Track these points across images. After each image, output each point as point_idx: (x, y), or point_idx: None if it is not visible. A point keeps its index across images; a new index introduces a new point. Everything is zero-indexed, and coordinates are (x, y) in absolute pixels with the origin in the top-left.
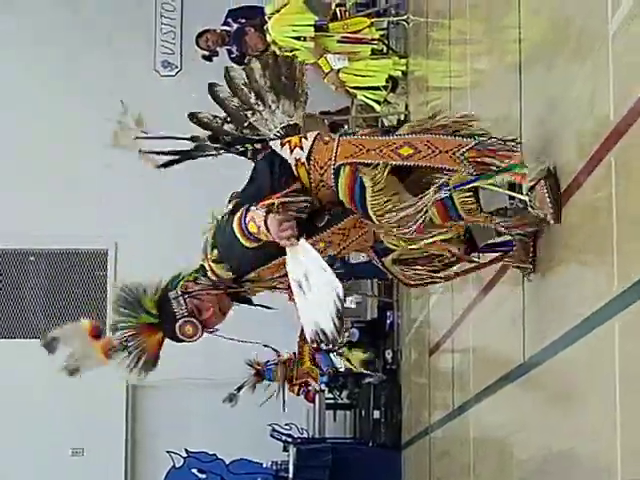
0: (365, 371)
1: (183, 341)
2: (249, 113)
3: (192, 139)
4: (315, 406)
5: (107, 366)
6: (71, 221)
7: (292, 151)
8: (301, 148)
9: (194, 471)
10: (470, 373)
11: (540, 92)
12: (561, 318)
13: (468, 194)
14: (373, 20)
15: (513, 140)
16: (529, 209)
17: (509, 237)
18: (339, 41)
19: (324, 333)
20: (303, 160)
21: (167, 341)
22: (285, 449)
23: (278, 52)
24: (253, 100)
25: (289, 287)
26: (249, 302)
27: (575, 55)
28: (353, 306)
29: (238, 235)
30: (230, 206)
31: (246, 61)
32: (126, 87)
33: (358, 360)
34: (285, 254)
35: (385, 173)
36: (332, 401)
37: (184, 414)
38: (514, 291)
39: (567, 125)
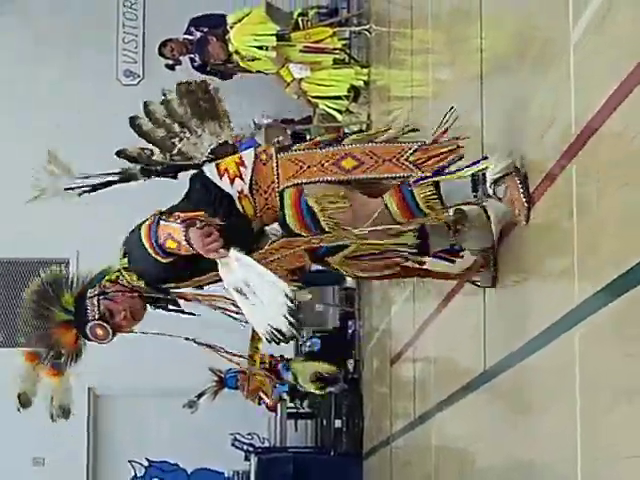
0: (313, 390)
1: (92, 341)
2: (176, 140)
3: (123, 173)
4: (276, 415)
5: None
6: (31, 229)
7: (232, 182)
8: (241, 178)
9: None
10: (431, 382)
11: (502, 102)
12: (522, 328)
13: (429, 189)
14: (335, 30)
15: (457, 138)
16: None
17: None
18: (301, 51)
19: (280, 331)
20: (246, 192)
21: (127, 349)
22: (247, 458)
23: (240, 62)
24: (178, 129)
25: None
26: (166, 308)
27: (537, 65)
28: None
29: (149, 250)
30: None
31: (208, 69)
32: (88, 96)
33: (304, 375)
34: (199, 265)
35: (330, 193)
36: (294, 410)
37: (146, 423)
38: (475, 301)
39: (528, 135)
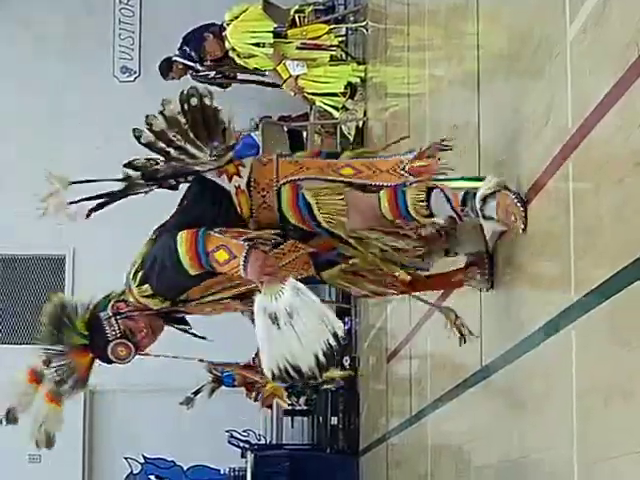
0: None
1: (114, 362)
2: (178, 153)
3: (125, 180)
4: (273, 412)
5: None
6: (27, 226)
7: (230, 179)
8: (239, 175)
9: (152, 477)
10: (428, 380)
11: (499, 98)
12: (518, 325)
13: (421, 193)
14: (332, 26)
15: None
16: (480, 219)
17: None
18: (298, 47)
19: (297, 369)
20: (243, 187)
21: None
22: (243, 455)
23: (237, 59)
24: (181, 144)
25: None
26: (182, 322)
27: (533, 62)
28: None
29: (184, 260)
30: (154, 236)
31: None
32: (85, 93)
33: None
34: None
35: (326, 186)
36: (290, 407)
37: (142, 420)
38: (471, 298)
39: (525, 132)
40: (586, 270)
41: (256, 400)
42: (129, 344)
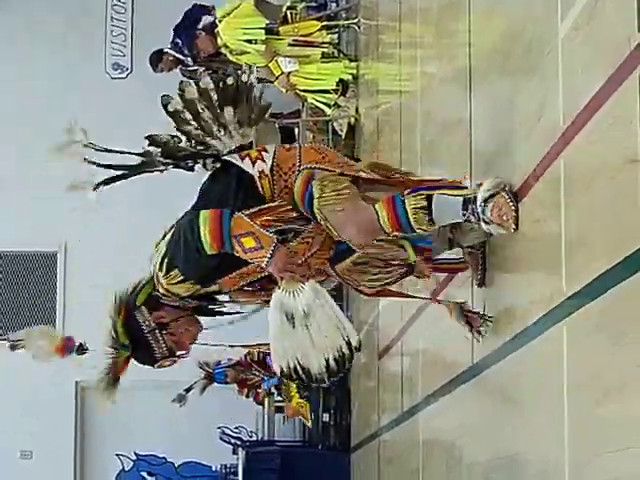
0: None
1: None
2: (202, 133)
3: (144, 155)
4: (264, 409)
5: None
6: (18, 222)
7: (254, 164)
8: (263, 160)
9: (143, 474)
10: (419, 376)
11: (490, 96)
12: (510, 322)
13: (421, 201)
14: (324, 23)
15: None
16: (481, 223)
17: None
18: (290, 44)
19: (306, 371)
20: (267, 172)
21: None
22: (234, 452)
23: (229, 55)
24: (209, 117)
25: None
26: (213, 313)
27: (525, 59)
28: None
29: (205, 238)
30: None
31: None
32: (77, 89)
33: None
34: (242, 265)
35: (335, 177)
36: (281, 404)
37: (133, 416)
38: (463, 295)
39: (516, 129)
40: (577, 267)
41: (248, 397)
42: (175, 359)
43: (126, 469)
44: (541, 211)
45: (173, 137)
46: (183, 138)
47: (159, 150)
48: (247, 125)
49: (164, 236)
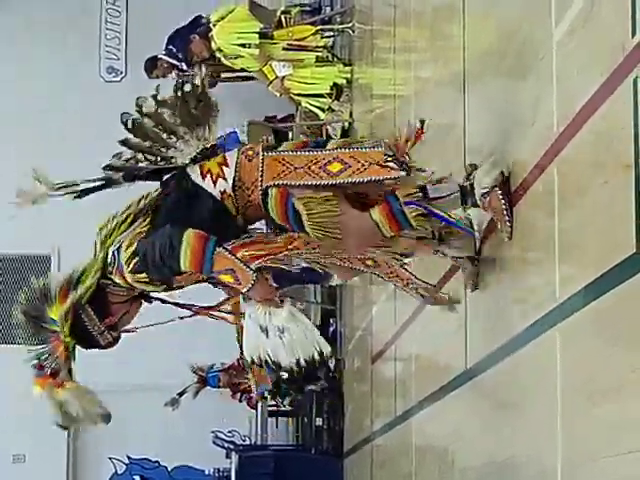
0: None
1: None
2: (163, 148)
3: (106, 181)
4: (257, 413)
5: None
6: (11, 225)
7: (215, 183)
8: (224, 178)
9: (136, 478)
10: (412, 381)
11: (484, 100)
12: (503, 326)
13: (416, 193)
14: (318, 27)
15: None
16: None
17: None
18: (284, 48)
19: (277, 364)
20: (229, 192)
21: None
22: (227, 456)
23: (223, 59)
24: (165, 137)
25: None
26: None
27: (519, 63)
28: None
29: (183, 260)
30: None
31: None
32: (71, 93)
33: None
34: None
35: (319, 196)
36: (274, 408)
37: (126, 420)
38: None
39: (510, 134)
40: (571, 272)
41: (241, 401)
42: (115, 340)
43: (119, 472)
44: (534, 216)
45: (128, 160)
46: (141, 157)
47: (120, 175)
48: (196, 126)
49: (114, 223)
